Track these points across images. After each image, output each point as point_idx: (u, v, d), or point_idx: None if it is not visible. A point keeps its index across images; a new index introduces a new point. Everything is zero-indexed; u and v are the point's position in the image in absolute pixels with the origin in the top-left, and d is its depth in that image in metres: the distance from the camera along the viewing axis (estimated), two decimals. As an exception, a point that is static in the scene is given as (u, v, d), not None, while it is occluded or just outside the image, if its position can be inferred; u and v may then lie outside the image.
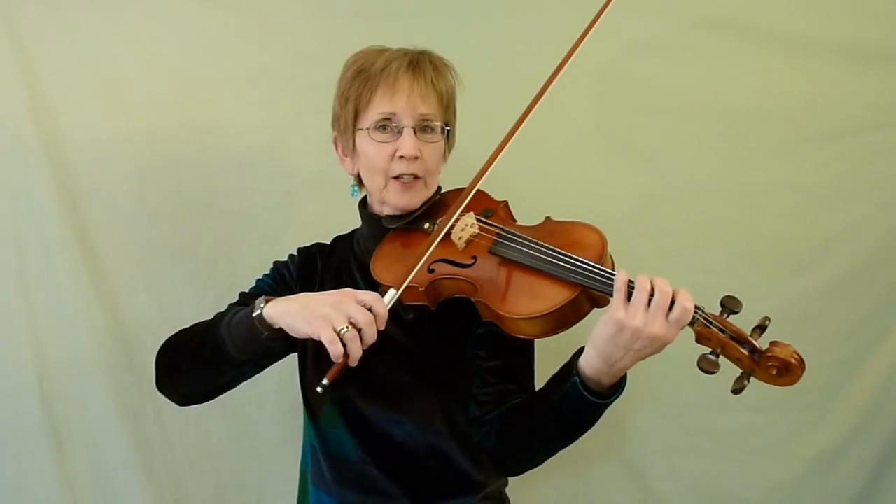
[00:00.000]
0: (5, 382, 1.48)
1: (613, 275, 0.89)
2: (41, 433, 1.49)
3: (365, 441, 1.08)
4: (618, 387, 0.92)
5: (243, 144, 1.52)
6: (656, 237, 1.57)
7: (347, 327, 0.87)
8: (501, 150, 1.04)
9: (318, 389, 0.87)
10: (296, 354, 1.19)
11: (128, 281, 1.52)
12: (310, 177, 1.54)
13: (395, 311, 1.02)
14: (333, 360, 0.87)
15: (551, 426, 0.97)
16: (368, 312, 0.89)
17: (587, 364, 0.91)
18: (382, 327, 0.90)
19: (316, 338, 0.88)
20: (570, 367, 0.94)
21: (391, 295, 0.94)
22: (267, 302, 0.95)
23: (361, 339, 0.88)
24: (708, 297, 1.55)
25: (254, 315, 0.95)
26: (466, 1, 1.56)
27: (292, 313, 0.92)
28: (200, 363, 1.04)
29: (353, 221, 1.23)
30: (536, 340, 1.05)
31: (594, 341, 0.89)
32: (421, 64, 1.07)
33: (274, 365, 1.57)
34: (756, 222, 1.57)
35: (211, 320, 1.06)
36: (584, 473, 1.62)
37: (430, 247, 0.98)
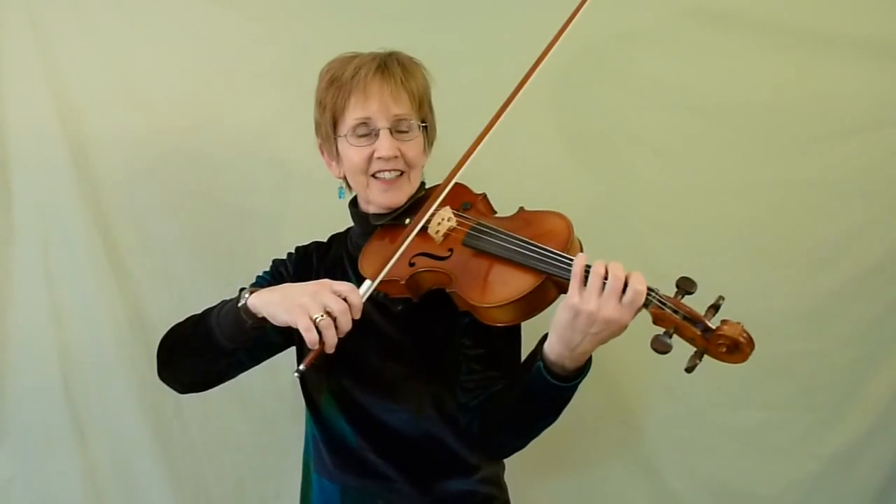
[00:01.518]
0: (30, 377, 1.52)
1: (573, 261, 0.92)
2: (65, 427, 1.53)
3: (362, 428, 1.12)
4: (582, 370, 0.95)
5: (263, 142, 1.55)
6: (671, 235, 1.57)
7: (323, 315, 0.91)
8: (475, 147, 1.06)
9: (295, 374, 0.93)
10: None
11: (149, 278, 1.55)
12: (328, 174, 1.55)
13: (384, 303, 1.09)
14: (309, 346, 0.91)
15: (524, 409, 1.00)
16: (343, 302, 0.93)
17: (550, 349, 0.93)
18: (357, 316, 0.94)
19: (293, 325, 0.92)
20: (535, 353, 0.97)
21: (367, 286, 0.98)
22: (251, 293, 1.00)
23: (337, 327, 0.92)
24: (724, 295, 1.55)
25: (239, 305, 1.00)
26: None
27: (273, 302, 0.96)
28: (193, 352, 1.09)
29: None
30: (523, 326, 1.07)
31: (555, 327, 0.92)
32: (389, 66, 1.10)
33: (291, 360, 1.60)
34: (772, 220, 1.56)
35: (203, 312, 1.10)
36: (600, 471, 1.62)
37: (404, 242, 1.01)
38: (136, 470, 1.56)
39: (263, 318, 0.98)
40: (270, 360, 1.55)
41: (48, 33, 1.48)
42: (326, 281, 0.96)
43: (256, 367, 1.56)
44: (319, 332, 0.90)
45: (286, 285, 1.01)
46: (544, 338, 0.96)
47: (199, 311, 1.16)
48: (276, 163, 1.56)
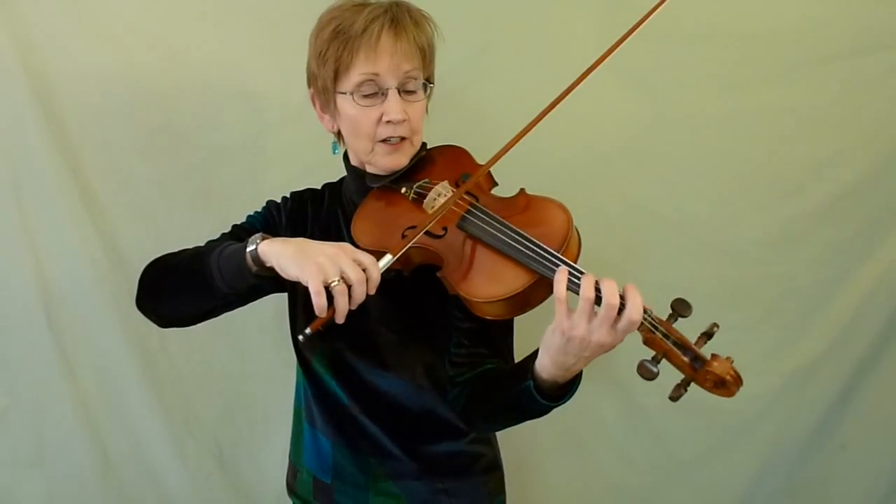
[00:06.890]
0: (14, 315, 1.54)
1: (578, 272, 0.87)
2: (52, 360, 1.56)
3: (353, 391, 1.12)
4: (574, 382, 0.93)
5: (229, 78, 1.50)
6: (647, 164, 1.58)
7: (338, 280, 0.87)
8: (517, 140, 1.02)
9: (300, 338, 0.89)
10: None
11: (124, 215, 1.54)
12: (295, 108, 1.51)
13: None
14: (317, 313, 0.87)
15: (510, 413, 1.00)
16: (362, 272, 0.88)
17: (542, 369, 0.91)
18: (373, 292, 0.90)
19: (304, 283, 0.88)
20: (526, 369, 0.94)
21: (387, 260, 0.94)
22: (263, 239, 0.95)
23: (350, 296, 0.87)
24: (698, 224, 1.55)
25: (248, 250, 0.95)
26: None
27: (286, 255, 0.91)
28: (185, 289, 1.04)
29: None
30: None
31: (546, 349, 0.89)
32: (402, 21, 1.03)
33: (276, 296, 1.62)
34: (748, 148, 1.56)
35: (200, 248, 1.06)
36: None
37: (427, 225, 0.98)
38: (127, 399, 1.60)
39: (270, 268, 0.93)
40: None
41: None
42: (348, 246, 0.92)
43: (238, 300, 1.60)
44: (331, 298, 0.86)
45: (302, 240, 0.95)
46: (534, 353, 0.93)
47: (175, 247, 1.12)
48: (246, 97, 1.51)
